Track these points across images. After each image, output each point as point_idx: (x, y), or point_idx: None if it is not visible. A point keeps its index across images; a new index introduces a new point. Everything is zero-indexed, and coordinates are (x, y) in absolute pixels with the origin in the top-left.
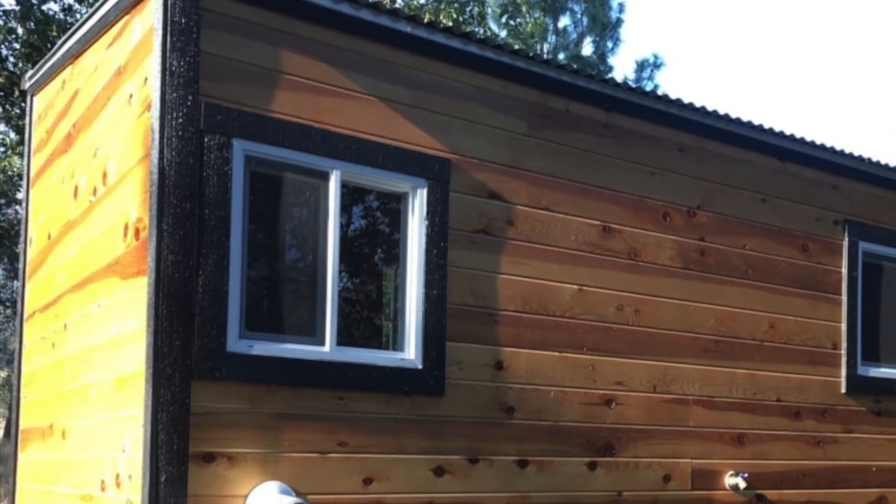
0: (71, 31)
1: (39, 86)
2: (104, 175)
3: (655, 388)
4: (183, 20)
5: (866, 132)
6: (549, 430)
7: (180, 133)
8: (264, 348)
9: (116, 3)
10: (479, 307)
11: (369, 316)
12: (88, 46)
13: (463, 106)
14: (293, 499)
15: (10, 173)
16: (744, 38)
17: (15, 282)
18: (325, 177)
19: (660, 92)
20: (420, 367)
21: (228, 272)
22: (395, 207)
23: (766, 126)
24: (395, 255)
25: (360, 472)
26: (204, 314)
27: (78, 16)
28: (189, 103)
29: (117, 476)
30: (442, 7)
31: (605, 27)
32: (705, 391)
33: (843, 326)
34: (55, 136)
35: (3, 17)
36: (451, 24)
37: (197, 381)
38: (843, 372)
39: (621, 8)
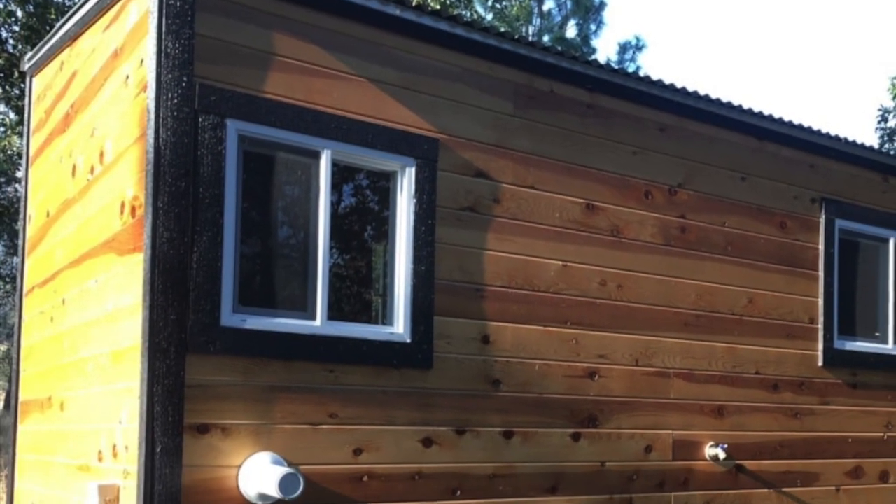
0: (69, 13)
1: (38, 67)
2: (101, 154)
3: (637, 361)
4: (178, 3)
5: (844, 112)
6: (534, 402)
7: (175, 113)
8: (257, 322)
9: None
10: (466, 283)
11: (359, 291)
12: (86, 29)
13: (450, 87)
14: (285, 469)
15: (9, 152)
16: (723, 20)
17: (14, 258)
18: (316, 156)
19: (642, 73)
20: (408, 340)
21: (222, 248)
22: (384, 186)
23: (746, 106)
24: (385, 231)
25: (350, 443)
26: (198, 289)
27: None
28: (184, 84)
29: (114, 447)
30: None
31: (589, 10)
32: (686, 364)
33: (820, 301)
34: (54, 117)
35: (3, 1)
36: (438, 7)
37: (191, 354)
38: (820, 346)
39: None
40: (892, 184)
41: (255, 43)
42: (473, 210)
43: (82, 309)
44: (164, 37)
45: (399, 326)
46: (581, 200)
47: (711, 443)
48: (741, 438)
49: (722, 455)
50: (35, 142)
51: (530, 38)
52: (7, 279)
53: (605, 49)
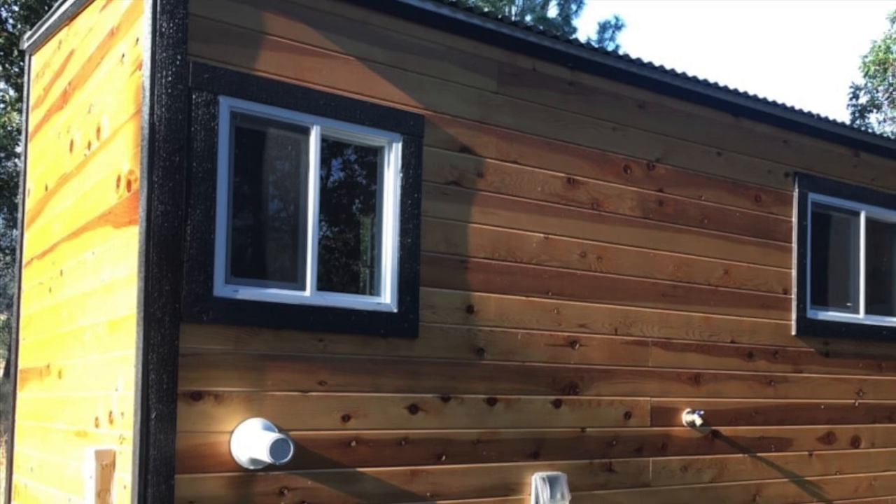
0: None
1: (37, 46)
2: (98, 130)
3: (617, 330)
4: None
5: (817, 90)
6: (517, 370)
7: (169, 91)
8: (249, 293)
9: None
10: (451, 254)
11: (347, 262)
12: (83, 9)
13: (436, 65)
14: (276, 435)
15: (9, 128)
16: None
17: (14, 230)
18: (305, 132)
19: (621, 52)
20: (395, 310)
21: (215, 221)
22: (371, 160)
23: (722, 84)
24: (372, 205)
25: (338, 410)
26: (192, 261)
27: None
28: (178, 62)
29: (110, 413)
30: None
31: None
32: (664, 333)
33: (794, 272)
34: (52, 94)
35: None
36: None
37: (185, 323)
38: (794, 315)
39: None
40: (863, 159)
41: (247, 22)
42: (458, 184)
43: (80, 280)
44: (158, 16)
45: (386, 297)
46: (562, 175)
47: (688, 409)
48: (717, 405)
49: (699, 421)
50: (34, 118)
51: (513, 18)
52: (7, 251)
53: (585, 28)
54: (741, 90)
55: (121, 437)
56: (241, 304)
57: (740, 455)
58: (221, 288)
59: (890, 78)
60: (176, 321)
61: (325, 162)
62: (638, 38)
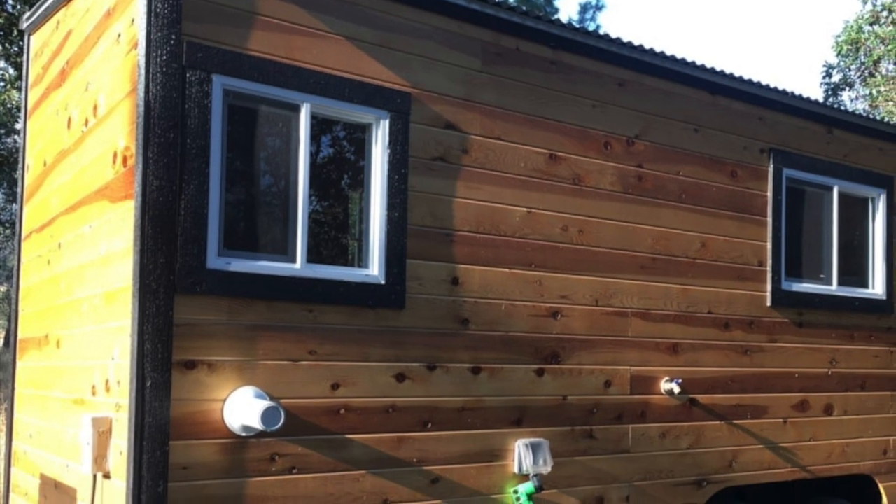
0: None
1: (36, 26)
2: (95, 108)
3: (597, 301)
4: None
5: (791, 68)
6: (501, 339)
7: (164, 69)
8: (241, 265)
9: None
10: (436, 228)
11: (337, 236)
12: None
13: (422, 44)
14: (267, 402)
15: (8, 106)
16: None
17: (14, 205)
18: (296, 109)
19: (601, 32)
20: (383, 282)
21: (208, 196)
22: (360, 137)
23: (699, 63)
24: (360, 180)
25: (328, 378)
26: (186, 234)
27: None
28: (172, 42)
29: (107, 382)
30: None
31: None
32: (643, 304)
33: (769, 245)
34: (50, 72)
35: None
36: None
37: (179, 295)
38: (769, 287)
39: None
40: (836, 135)
41: (239, 3)
42: (444, 160)
43: (77, 253)
44: None
45: (374, 269)
46: (544, 151)
47: (667, 378)
48: (695, 374)
49: (676, 389)
50: (33, 96)
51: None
52: (7, 224)
53: (566, 9)
54: (718, 69)
55: (117, 405)
56: (233, 276)
57: (717, 422)
58: (214, 260)
59: (862, 57)
60: (170, 292)
61: (314, 138)
62: (618, 18)
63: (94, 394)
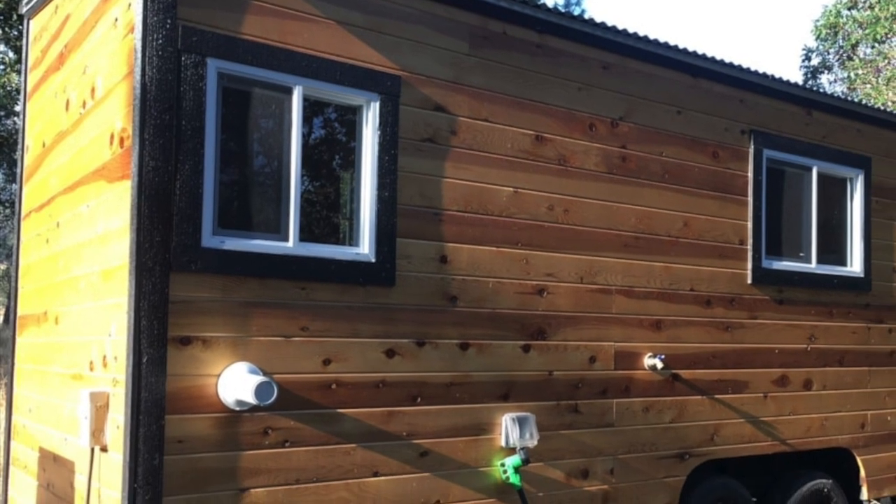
0: None
1: (35, 10)
2: (92, 90)
3: (582, 279)
4: None
5: (771, 52)
6: (488, 316)
7: (160, 53)
8: (235, 244)
9: None
10: (425, 207)
11: (328, 215)
12: None
13: (411, 28)
14: (260, 377)
15: (8, 88)
16: None
17: (13, 185)
18: (288, 91)
19: (586, 16)
20: (373, 260)
21: (203, 176)
22: (351, 119)
23: (682, 46)
24: (352, 161)
25: (319, 354)
26: (181, 213)
27: None
28: (168, 26)
29: (104, 357)
30: None
31: None
32: (626, 282)
33: (749, 225)
34: (49, 56)
35: None
36: None
37: (175, 273)
38: (749, 265)
39: None
40: (815, 117)
41: None
42: (432, 141)
43: (75, 231)
44: None
45: (364, 247)
46: (531, 132)
47: (650, 353)
48: (677, 350)
49: (660, 365)
50: (32, 79)
51: None
52: (6, 204)
53: None
54: (700, 52)
55: (114, 380)
56: (227, 255)
57: (699, 397)
58: (209, 239)
59: (840, 41)
60: (166, 270)
61: (306, 120)
62: (602, 2)
63: (91, 369)
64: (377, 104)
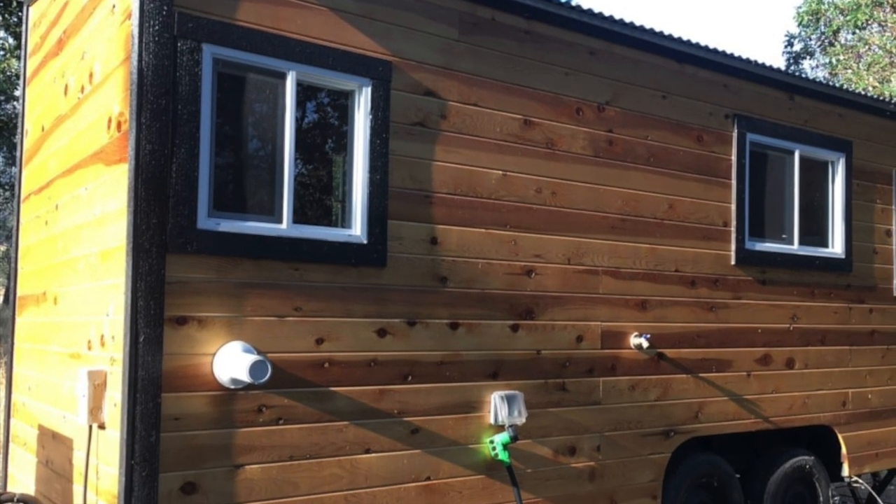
0: None
1: None
2: (90, 75)
3: (570, 260)
4: None
5: (754, 38)
6: (478, 296)
7: (157, 39)
8: (230, 226)
9: None
10: (416, 190)
11: (321, 197)
12: None
13: (402, 15)
14: (255, 356)
15: (8, 74)
16: None
17: (13, 168)
18: (282, 77)
19: (573, 3)
20: (365, 242)
21: (198, 159)
22: (343, 103)
23: (667, 32)
24: (344, 144)
25: (313, 334)
26: (177, 196)
27: None
28: (164, 13)
29: (102, 337)
30: None
31: None
32: (613, 263)
33: (733, 207)
34: (48, 42)
35: None
36: None
37: (171, 254)
38: (733, 246)
39: None
40: (798, 102)
41: None
42: (423, 125)
43: (73, 213)
44: None
45: (356, 229)
46: (519, 116)
47: (636, 333)
48: (662, 329)
49: (645, 344)
50: (31, 64)
51: None
52: (6, 187)
53: None
54: (685, 38)
55: (111, 359)
56: (222, 236)
57: (684, 375)
58: (204, 221)
59: (822, 27)
60: (162, 252)
61: (300, 105)
62: None
63: (89, 348)
64: (369, 89)
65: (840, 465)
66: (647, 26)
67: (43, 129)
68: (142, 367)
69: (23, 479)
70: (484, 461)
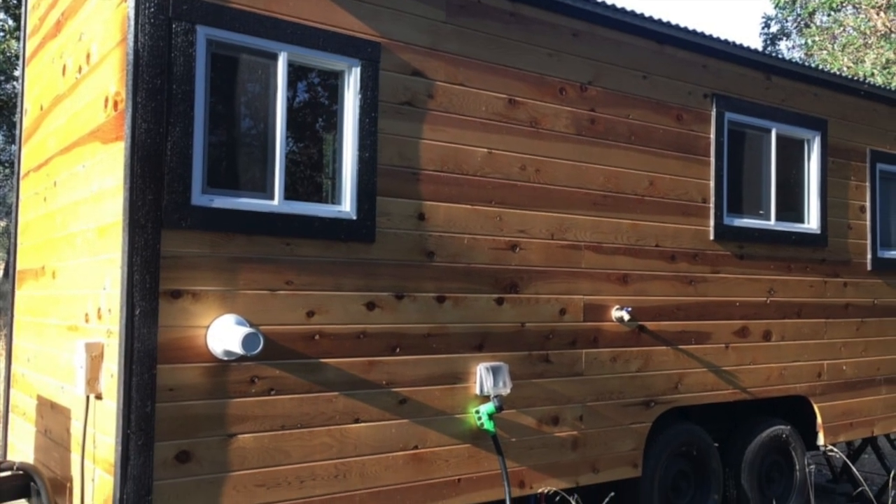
0: None
1: None
2: (88, 56)
3: (553, 235)
4: None
5: (732, 20)
6: (464, 271)
7: (152, 20)
8: (223, 202)
9: None
10: (404, 167)
11: (312, 175)
12: None
13: None
14: (247, 329)
15: (8, 54)
16: None
17: (13, 146)
18: (274, 57)
19: None
20: (354, 217)
21: (192, 138)
22: (333, 83)
23: (647, 14)
24: (334, 123)
25: (303, 307)
26: (172, 173)
27: None
28: None
29: (99, 310)
30: None
31: None
32: (595, 238)
33: (712, 184)
34: (47, 23)
35: None
36: None
37: (166, 229)
38: (712, 222)
39: None
40: (774, 82)
41: None
42: (411, 104)
43: (71, 190)
44: None
45: (346, 205)
46: (504, 96)
47: (617, 306)
48: (643, 302)
49: (626, 317)
50: (30, 45)
51: None
52: (6, 164)
53: None
54: (665, 20)
55: (108, 332)
56: (216, 212)
57: (664, 347)
58: (198, 197)
59: (798, 9)
60: (157, 227)
61: (291, 85)
62: None
63: (87, 321)
64: (358, 69)
65: (815, 434)
66: (628, 8)
67: (42, 109)
68: (138, 340)
69: (22, 448)
70: (470, 430)
